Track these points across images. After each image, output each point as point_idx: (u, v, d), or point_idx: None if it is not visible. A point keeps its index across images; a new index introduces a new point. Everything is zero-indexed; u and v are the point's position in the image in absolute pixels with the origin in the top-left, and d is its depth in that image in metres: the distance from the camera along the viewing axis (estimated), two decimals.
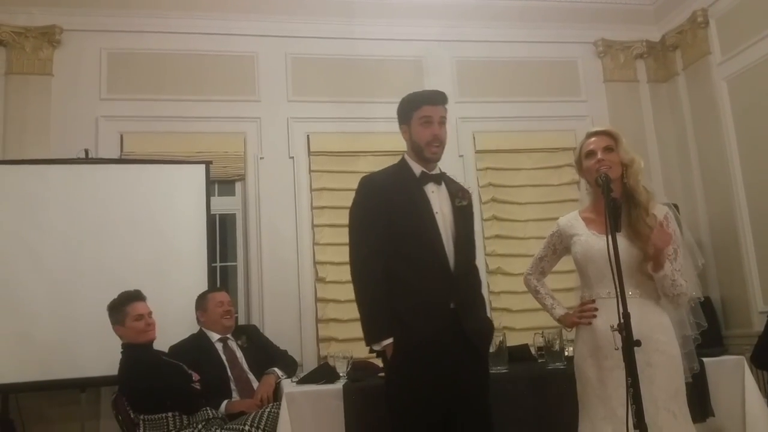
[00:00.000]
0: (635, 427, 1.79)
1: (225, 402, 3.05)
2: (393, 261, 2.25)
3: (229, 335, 3.36)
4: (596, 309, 2.17)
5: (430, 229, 2.27)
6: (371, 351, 2.27)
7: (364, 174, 2.47)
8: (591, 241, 2.20)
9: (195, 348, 3.23)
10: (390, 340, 2.20)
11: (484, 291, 4.29)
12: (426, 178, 2.36)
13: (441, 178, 2.40)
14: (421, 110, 2.35)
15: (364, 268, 2.27)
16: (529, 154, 4.61)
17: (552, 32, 4.72)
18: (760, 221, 4.15)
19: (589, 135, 2.26)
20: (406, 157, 2.41)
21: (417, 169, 2.37)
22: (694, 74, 4.61)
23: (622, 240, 2.07)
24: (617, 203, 2.03)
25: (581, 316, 2.21)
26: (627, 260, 2.05)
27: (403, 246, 2.26)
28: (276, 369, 3.20)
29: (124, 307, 2.94)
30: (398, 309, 2.22)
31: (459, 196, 2.36)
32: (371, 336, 2.23)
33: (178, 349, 3.20)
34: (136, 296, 3.00)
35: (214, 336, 3.32)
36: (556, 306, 2.36)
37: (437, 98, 2.39)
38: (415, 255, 2.26)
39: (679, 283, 2.11)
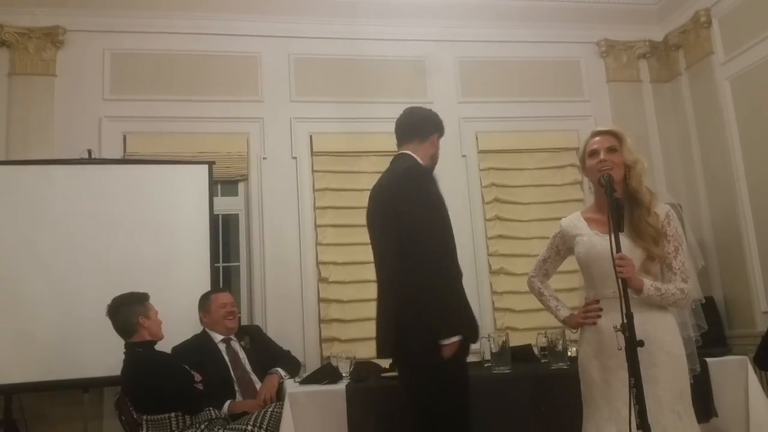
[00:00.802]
0: (638, 428, 1.78)
1: (228, 402, 3.05)
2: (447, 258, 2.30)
3: (232, 336, 3.36)
4: (601, 309, 2.16)
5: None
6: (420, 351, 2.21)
7: (368, 173, 2.52)
8: (594, 240, 2.19)
9: (198, 349, 3.24)
10: (458, 338, 2.19)
11: (488, 291, 4.36)
12: None
13: None
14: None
15: (448, 261, 2.26)
16: (532, 154, 4.60)
17: (555, 32, 4.72)
18: (763, 221, 4.13)
19: (594, 134, 2.25)
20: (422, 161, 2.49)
21: None
22: (697, 74, 4.61)
23: (625, 240, 2.06)
24: (620, 203, 2.03)
25: (586, 316, 2.20)
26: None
27: (451, 243, 2.33)
28: (279, 369, 3.20)
29: (146, 301, 2.99)
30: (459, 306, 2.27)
31: None
32: (448, 329, 2.19)
33: (181, 350, 3.20)
34: (149, 296, 3.04)
35: (217, 337, 3.32)
36: (560, 307, 2.36)
37: None
38: (455, 253, 2.34)
39: (671, 293, 2.10)
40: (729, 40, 4.36)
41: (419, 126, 2.49)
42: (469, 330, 2.26)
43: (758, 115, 4.14)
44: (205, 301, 3.40)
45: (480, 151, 4.56)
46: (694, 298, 2.19)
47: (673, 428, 2.01)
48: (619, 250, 1.95)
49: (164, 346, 3.09)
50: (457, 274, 2.30)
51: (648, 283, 2.07)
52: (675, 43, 4.75)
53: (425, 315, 2.17)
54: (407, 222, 2.24)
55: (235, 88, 4.31)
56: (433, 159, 2.51)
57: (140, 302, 2.97)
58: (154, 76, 4.21)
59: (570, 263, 2.43)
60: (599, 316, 2.16)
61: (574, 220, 2.31)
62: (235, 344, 3.35)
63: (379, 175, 2.53)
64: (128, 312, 2.94)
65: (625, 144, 2.21)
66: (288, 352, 3.50)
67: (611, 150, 2.18)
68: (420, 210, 2.25)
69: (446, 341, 2.17)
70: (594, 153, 2.20)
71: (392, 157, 2.52)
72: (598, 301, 2.18)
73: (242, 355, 3.32)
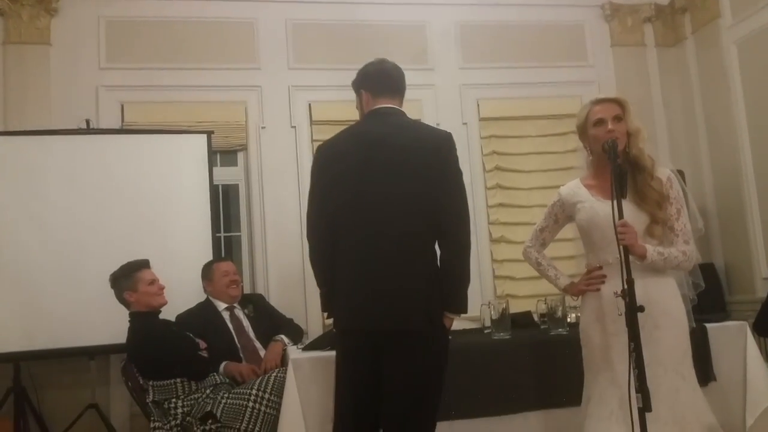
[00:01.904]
0: (637, 391, 1.80)
1: (224, 363, 3.09)
2: None
3: (235, 304, 3.39)
4: (604, 276, 2.17)
5: None
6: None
7: None
8: (596, 207, 2.19)
9: (202, 317, 3.27)
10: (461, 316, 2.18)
11: (488, 259, 4.38)
12: None
13: None
14: None
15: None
16: (534, 122, 4.55)
17: None
18: (766, 188, 4.11)
19: (597, 102, 2.22)
20: None
21: None
22: (703, 38, 4.52)
23: (628, 205, 2.06)
24: (623, 169, 2.01)
25: (589, 283, 2.21)
26: (634, 225, 2.03)
27: None
28: (282, 336, 3.24)
29: (136, 273, 2.98)
30: None
31: None
32: (465, 305, 2.16)
33: (185, 318, 3.23)
34: (145, 263, 3.04)
35: (221, 305, 3.35)
36: (560, 276, 2.37)
37: None
38: None
39: (674, 257, 2.11)
40: (736, 2, 4.26)
41: (397, 81, 2.31)
42: None
43: (765, 79, 4.07)
44: (207, 271, 3.42)
45: (481, 119, 4.51)
46: (696, 261, 2.19)
47: (676, 390, 2.04)
48: (621, 216, 1.95)
49: (168, 315, 3.12)
50: None
51: (651, 249, 2.07)
52: (681, 6, 4.65)
53: (457, 286, 2.12)
54: (461, 191, 2.17)
55: (232, 56, 4.24)
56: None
57: (128, 276, 2.97)
58: (150, 43, 4.15)
59: (566, 231, 2.43)
60: (603, 282, 2.17)
61: (574, 188, 2.30)
62: (239, 312, 3.38)
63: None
64: (116, 288, 2.99)
65: (628, 112, 2.19)
66: (291, 320, 3.53)
67: (617, 119, 2.16)
68: (461, 186, 2.19)
69: (453, 315, 2.15)
70: (600, 122, 2.17)
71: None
72: (600, 268, 2.19)
73: (246, 323, 3.36)
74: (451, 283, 2.11)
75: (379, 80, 2.28)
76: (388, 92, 2.27)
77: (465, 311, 2.15)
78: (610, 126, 2.14)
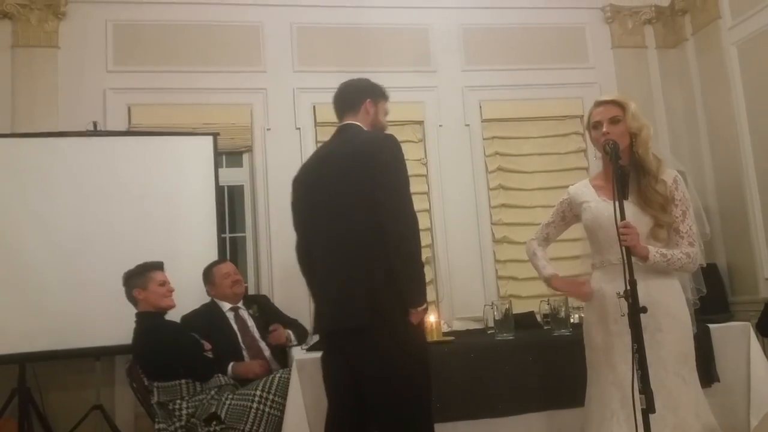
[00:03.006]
0: (641, 392, 1.81)
1: (231, 364, 3.11)
2: None
3: (240, 304, 3.41)
4: (589, 292, 2.23)
5: None
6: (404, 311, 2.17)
7: None
8: (601, 207, 2.21)
9: (206, 318, 3.29)
10: (426, 305, 2.21)
11: (491, 259, 4.39)
12: None
13: None
14: (386, 104, 2.51)
15: (418, 231, 2.22)
16: (536, 123, 4.58)
17: None
18: None
19: (597, 104, 2.24)
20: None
21: None
22: (704, 39, 4.54)
23: (632, 207, 2.08)
24: (625, 171, 2.03)
25: (570, 288, 2.30)
26: (637, 227, 2.04)
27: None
28: (290, 332, 3.27)
29: (149, 272, 3.02)
30: None
31: None
32: (421, 298, 2.20)
33: (190, 319, 3.25)
34: (159, 265, 3.08)
35: (226, 306, 3.37)
36: (546, 267, 2.38)
37: None
38: None
39: (677, 258, 2.11)
40: (736, 3, 4.28)
41: (348, 97, 2.47)
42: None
43: (765, 80, 4.09)
44: (208, 275, 3.43)
45: (484, 120, 4.54)
46: (701, 262, 2.20)
47: (678, 392, 2.05)
48: (624, 217, 1.97)
49: (174, 315, 3.14)
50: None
51: (653, 251, 2.08)
52: (681, 8, 4.67)
53: (405, 281, 2.15)
54: (394, 188, 2.20)
55: (238, 59, 4.28)
56: (376, 124, 2.42)
57: (140, 274, 3.01)
58: (157, 46, 4.18)
59: (571, 231, 2.45)
60: (586, 296, 2.23)
61: (582, 187, 2.33)
62: (243, 312, 3.40)
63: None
64: (127, 285, 3.02)
65: (628, 112, 2.19)
66: (295, 321, 3.55)
67: (614, 121, 2.17)
68: (403, 179, 2.24)
69: (418, 309, 2.17)
70: (597, 125, 2.19)
71: (395, 126, 2.48)
72: (586, 282, 2.24)
73: (250, 322, 3.37)
74: (400, 279, 2.16)
75: (337, 103, 2.52)
76: (347, 111, 2.48)
77: (419, 304, 2.18)
78: (604, 129, 2.16)
